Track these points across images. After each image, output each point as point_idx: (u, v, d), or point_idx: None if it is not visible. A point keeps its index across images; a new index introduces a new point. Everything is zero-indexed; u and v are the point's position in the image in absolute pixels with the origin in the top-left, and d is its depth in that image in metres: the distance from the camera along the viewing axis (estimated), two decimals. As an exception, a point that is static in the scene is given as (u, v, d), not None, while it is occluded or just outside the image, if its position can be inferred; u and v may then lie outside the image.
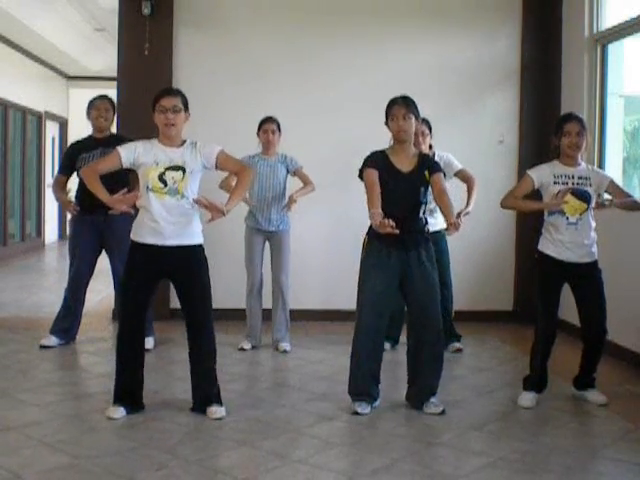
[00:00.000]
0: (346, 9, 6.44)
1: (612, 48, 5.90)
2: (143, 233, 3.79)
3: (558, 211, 4.07)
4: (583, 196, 4.06)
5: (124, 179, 5.31)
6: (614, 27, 5.73)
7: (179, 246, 3.79)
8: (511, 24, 6.52)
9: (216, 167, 3.87)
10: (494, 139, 6.51)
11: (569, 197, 4.04)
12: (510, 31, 6.53)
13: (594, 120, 5.83)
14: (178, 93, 3.89)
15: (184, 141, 3.85)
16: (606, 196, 4.28)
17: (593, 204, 4.11)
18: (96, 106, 5.30)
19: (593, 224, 4.12)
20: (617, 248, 5.00)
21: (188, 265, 3.84)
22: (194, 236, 3.84)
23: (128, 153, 3.79)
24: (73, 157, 5.30)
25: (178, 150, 3.80)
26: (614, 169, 5.87)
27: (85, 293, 5.42)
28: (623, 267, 5.07)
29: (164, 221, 3.74)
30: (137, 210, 3.87)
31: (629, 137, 6.21)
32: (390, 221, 3.61)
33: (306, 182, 5.35)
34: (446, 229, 3.95)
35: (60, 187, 5.41)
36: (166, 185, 3.74)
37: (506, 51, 6.53)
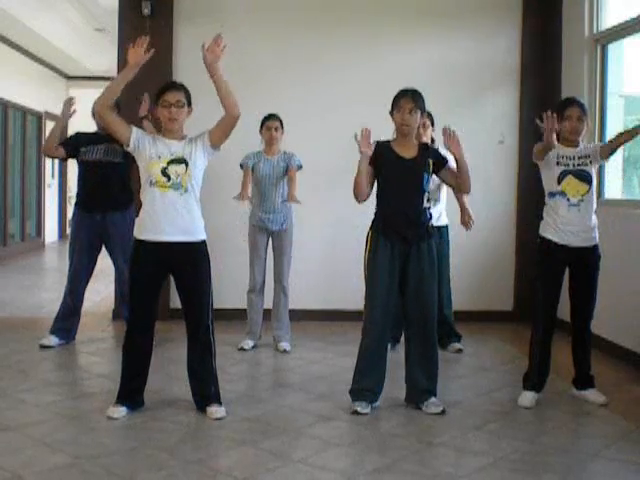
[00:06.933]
0: (346, 9, 6.45)
1: (612, 48, 5.90)
2: (146, 229, 3.77)
3: (559, 192, 4.08)
4: (583, 177, 4.07)
5: (124, 174, 5.33)
6: (614, 27, 5.73)
7: (182, 242, 3.77)
8: (511, 24, 6.52)
9: (212, 143, 3.79)
10: (494, 139, 6.51)
11: (570, 179, 4.05)
12: (510, 31, 6.53)
13: (594, 120, 5.82)
14: (182, 87, 3.88)
15: (185, 135, 3.86)
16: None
17: (594, 186, 4.12)
18: None
19: (594, 206, 4.13)
20: (618, 249, 4.99)
21: (190, 261, 3.82)
22: (197, 232, 3.83)
23: (137, 136, 3.75)
24: (78, 144, 5.26)
25: (180, 143, 3.80)
26: (614, 169, 5.87)
27: (84, 291, 5.42)
28: (623, 267, 5.06)
29: (167, 216, 3.72)
30: (140, 206, 3.85)
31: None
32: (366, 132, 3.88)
33: (291, 179, 5.24)
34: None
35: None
36: (170, 179, 3.73)
37: (506, 51, 6.53)
